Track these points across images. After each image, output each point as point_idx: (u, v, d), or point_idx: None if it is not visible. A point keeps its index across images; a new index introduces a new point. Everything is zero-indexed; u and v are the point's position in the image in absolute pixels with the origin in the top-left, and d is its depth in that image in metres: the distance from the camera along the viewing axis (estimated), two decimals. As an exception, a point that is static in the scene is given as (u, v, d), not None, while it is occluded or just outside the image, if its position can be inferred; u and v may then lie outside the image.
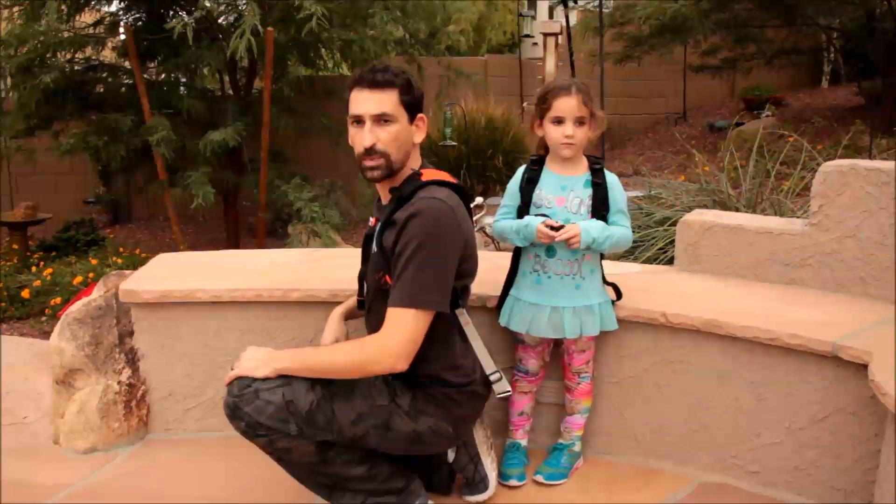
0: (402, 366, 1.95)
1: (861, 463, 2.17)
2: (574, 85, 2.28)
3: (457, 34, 8.04)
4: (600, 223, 2.27)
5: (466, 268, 2.08)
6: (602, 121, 2.33)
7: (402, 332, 1.93)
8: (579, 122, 2.27)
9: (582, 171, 2.33)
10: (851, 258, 2.48)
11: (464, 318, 2.11)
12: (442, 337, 2.07)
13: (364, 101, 2.02)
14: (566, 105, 2.26)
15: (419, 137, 2.11)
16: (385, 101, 2.01)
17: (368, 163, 2.04)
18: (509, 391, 2.19)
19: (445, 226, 1.96)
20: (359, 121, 2.04)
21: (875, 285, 2.46)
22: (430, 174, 2.09)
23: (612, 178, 2.33)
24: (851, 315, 2.32)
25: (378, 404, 2.02)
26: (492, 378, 2.15)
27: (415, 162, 2.13)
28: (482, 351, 2.14)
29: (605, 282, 2.42)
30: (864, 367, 2.03)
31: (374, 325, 2.05)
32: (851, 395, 2.15)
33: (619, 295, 2.45)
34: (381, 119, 2.01)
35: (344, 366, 1.97)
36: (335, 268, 2.80)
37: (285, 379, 1.98)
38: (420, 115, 2.10)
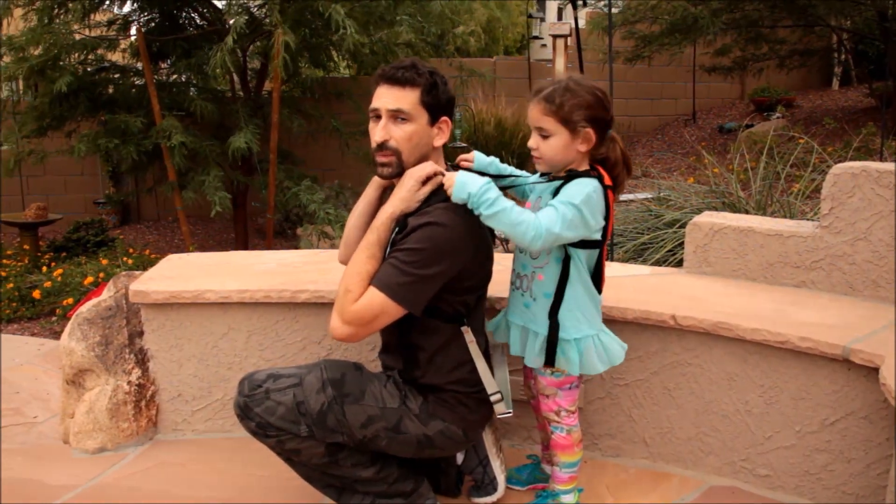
0: (345, 333, 1.91)
1: (872, 467, 2.15)
2: (545, 89, 1.99)
3: (467, 35, 8.05)
4: (489, 184, 1.89)
5: (469, 285, 2.03)
6: (587, 134, 1.96)
7: (364, 308, 1.91)
8: (541, 133, 1.99)
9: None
10: (863, 261, 2.47)
11: (468, 336, 2.06)
12: (449, 352, 2.06)
13: (382, 96, 2.00)
14: (530, 112, 2.01)
15: (440, 141, 2.07)
16: (403, 98, 1.99)
17: (380, 159, 2.03)
18: (509, 412, 2.11)
19: (452, 244, 1.92)
20: (376, 115, 2.02)
21: (887, 288, 2.44)
22: None
23: (575, 181, 1.96)
24: (862, 318, 2.31)
25: (389, 407, 2.02)
26: (492, 399, 2.09)
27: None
28: (485, 371, 2.08)
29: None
30: (876, 370, 2.02)
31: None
32: (862, 399, 2.13)
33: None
34: (397, 116, 1.99)
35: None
36: (343, 269, 2.79)
37: (296, 380, 1.98)
38: (444, 118, 2.06)
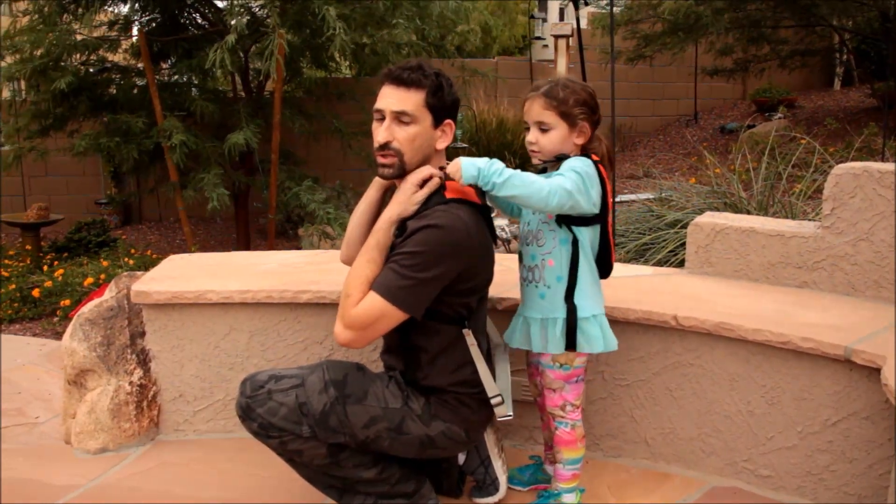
0: (347, 337, 1.93)
1: (874, 468, 2.15)
2: (543, 86, 2.07)
3: (466, 33, 8.03)
4: (493, 159, 1.96)
5: (470, 286, 2.02)
6: (583, 128, 2.06)
7: (364, 312, 1.91)
8: (541, 127, 2.07)
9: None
10: (864, 261, 2.47)
11: (470, 339, 2.05)
12: (451, 353, 2.05)
13: (387, 97, 2.00)
14: (529, 108, 2.08)
15: (443, 143, 2.07)
16: (407, 99, 1.98)
17: (381, 159, 2.02)
18: (510, 415, 2.09)
19: (452, 247, 1.92)
20: (380, 115, 2.02)
21: (889, 289, 2.44)
22: (454, 189, 2.03)
23: (568, 159, 2.06)
24: (864, 318, 2.30)
25: (391, 407, 2.02)
26: (493, 402, 2.07)
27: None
28: (486, 374, 2.07)
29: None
30: (878, 370, 2.02)
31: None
32: (864, 400, 2.13)
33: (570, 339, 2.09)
34: (401, 117, 1.98)
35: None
36: (344, 270, 2.80)
37: (298, 380, 1.98)
38: (448, 120, 2.05)
